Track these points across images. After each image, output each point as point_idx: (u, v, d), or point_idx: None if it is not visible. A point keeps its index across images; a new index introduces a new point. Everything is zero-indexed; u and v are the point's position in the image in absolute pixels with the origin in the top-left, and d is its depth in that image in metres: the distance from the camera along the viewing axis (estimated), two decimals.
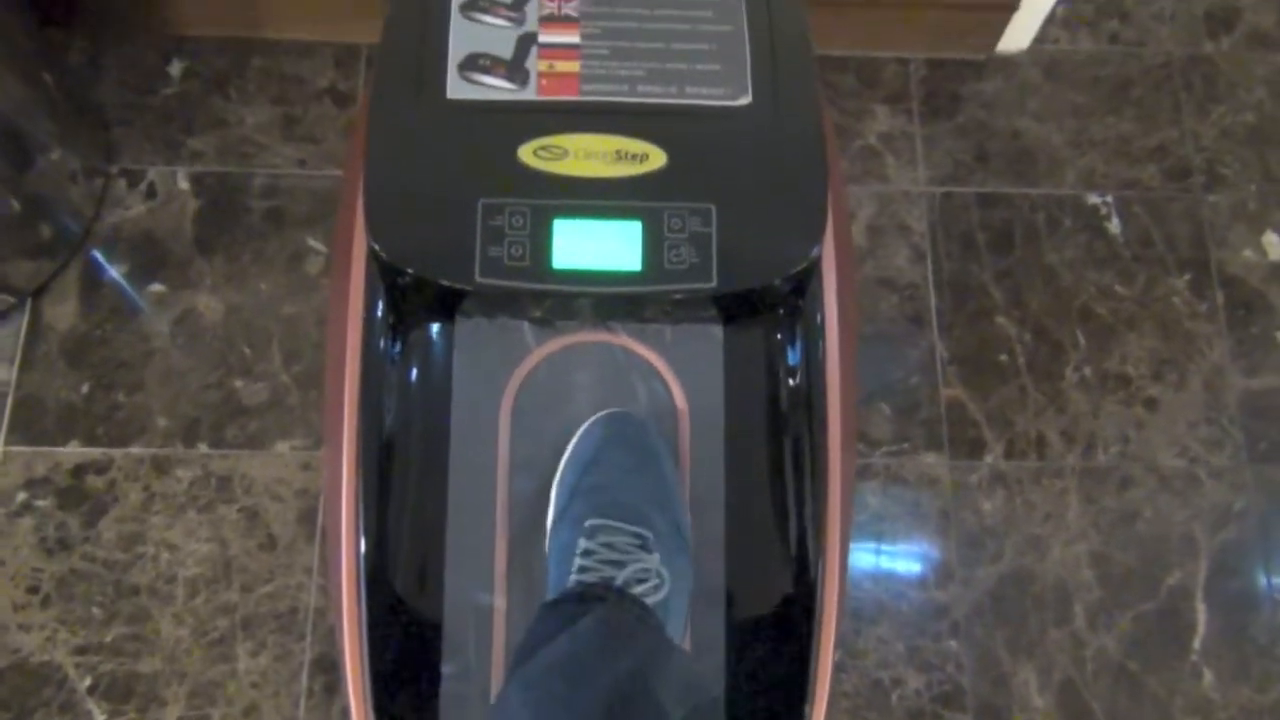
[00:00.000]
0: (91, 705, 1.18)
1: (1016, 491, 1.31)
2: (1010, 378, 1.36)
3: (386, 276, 0.87)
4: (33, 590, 1.21)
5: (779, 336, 0.93)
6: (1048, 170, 1.46)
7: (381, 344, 0.90)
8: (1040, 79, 1.50)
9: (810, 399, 0.89)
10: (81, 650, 1.20)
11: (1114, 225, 1.43)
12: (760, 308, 0.92)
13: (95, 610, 1.21)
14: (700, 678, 0.77)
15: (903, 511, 1.30)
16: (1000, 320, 1.38)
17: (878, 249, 1.40)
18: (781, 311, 0.92)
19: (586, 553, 0.80)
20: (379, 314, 0.89)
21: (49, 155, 1.26)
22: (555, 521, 0.86)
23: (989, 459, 1.32)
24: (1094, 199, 1.44)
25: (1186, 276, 1.41)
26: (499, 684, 0.86)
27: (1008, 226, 1.42)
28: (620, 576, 0.77)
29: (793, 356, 0.92)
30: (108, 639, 1.20)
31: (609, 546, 0.80)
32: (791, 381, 0.92)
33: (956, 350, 1.36)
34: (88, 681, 1.19)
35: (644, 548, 0.80)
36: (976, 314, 1.38)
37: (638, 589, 0.77)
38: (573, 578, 0.79)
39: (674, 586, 0.80)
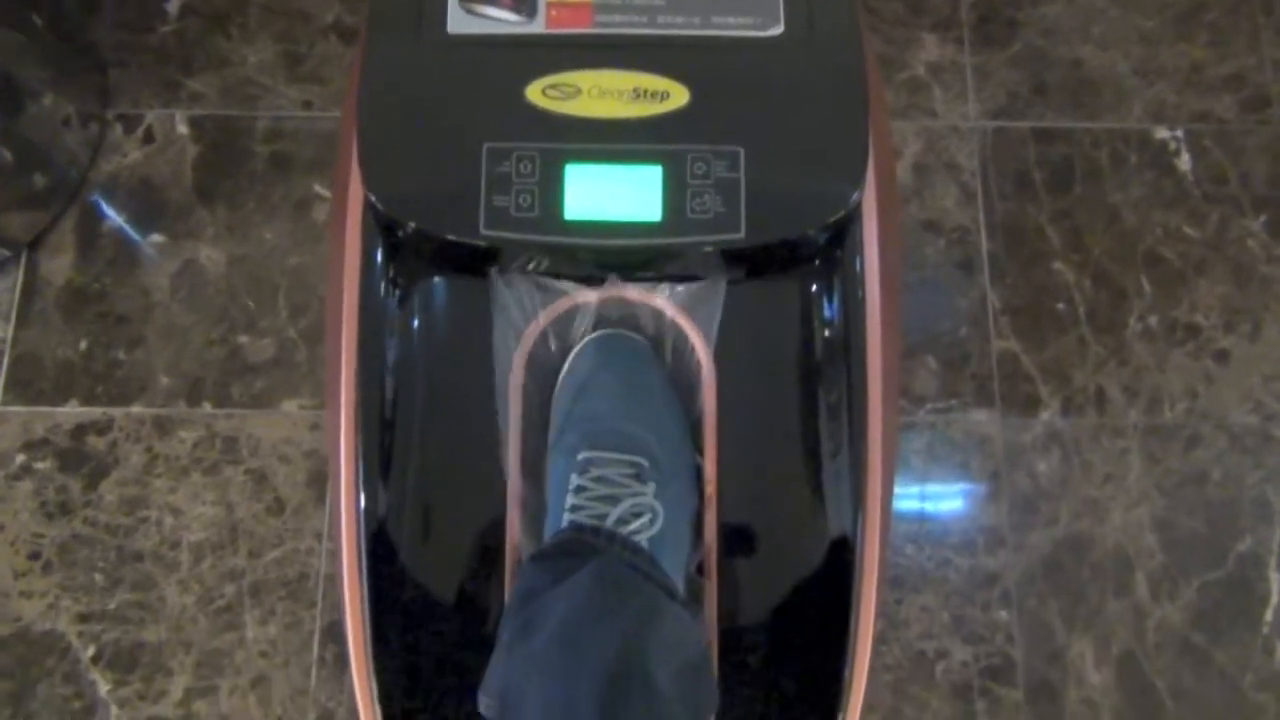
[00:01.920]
0: (95, 675, 1.14)
1: (1074, 451, 1.22)
2: (1068, 328, 1.26)
3: (384, 229, 0.81)
4: (34, 556, 1.16)
5: (814, 289, 0.86)
6: (1112, 102, 1.34)
7: (381, 300, 0.86)
8: (1104, 3, 1.38)
9: (849, 354, 0.82)
10: (84, 618, 1.15)
11: (1184, 161, 1.32)
12: (794, 259, 0.85)
13: (98, 577, 1.16)
14: (689, 631, 0.74)
15: (949, 473, 1.22)
16: (1058, 266, 1.28)
17: (924, 189, 1.30)
18: (817, 262, 0.85)
19: (579, 489, 0.77)
20: (377, 268, 0.84)
21: (41, 101, 1.20)
22: (552, 448, 0.83)
23: (1044, 416, 1.23)
24: (1162, 133, 1.33)
25: (1263, 217, 1.30)
26: None
27: (1067, 164, 1.32)
28: (613, 514, 0.75)
29: (829, 310, 0.85)
30: (111, 606, 1.15)
31: (601, 480, 0.77)
32: (828, 336, 0.85)
33: (1010, 299, 1.27)
34: (91, 651, 1.14)
35: (638, 477, 0.78)
36: (1032, 259, 1.28)
37: (633, 525, 0.75)
38: (565, 517, 0.77)
39: (669, 517, 0.78)
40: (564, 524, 0.77)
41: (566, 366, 0.86)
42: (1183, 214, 1.30)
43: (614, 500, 0.77)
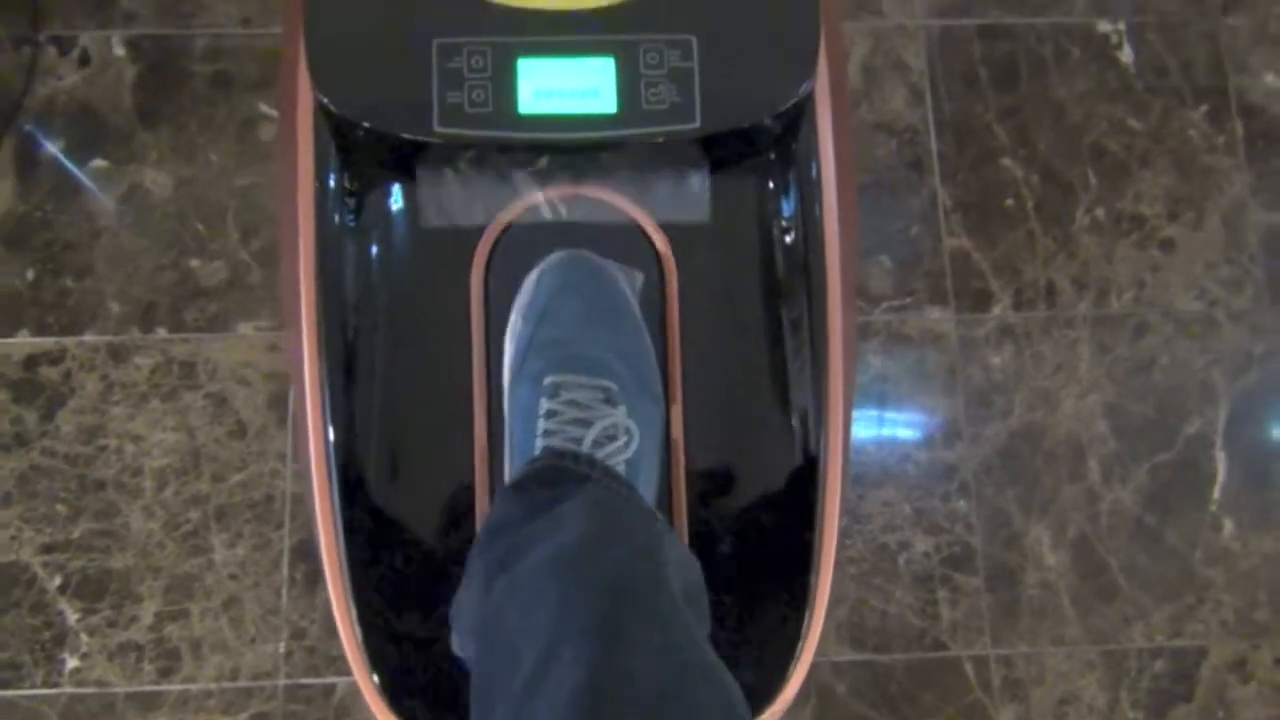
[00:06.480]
0: (64, 605, 1.13)
1: (1026, 344, 1.24)
2: (1018, 223, 1.27)
3: (336, 133, 0.79)
4: None
5: (771, 185, 0.86)
6: None
7: (336, 211, 0.83)
8: None
9: (807, 253, 0.82)
10: (49, 549, 1.14)
11: (1126, 54, 1.33)
12: (750, 151, 0.85)
13: (60, 507, 1.15)
14: (687, 555, 0.72)
15: (906, 370, 1.24)
16: (1006, 162, 1.29)
17: (873, 90, 1.30)
18: (773, 156, 0.85)
19: (550, 414, 0.75)
20: (331, 177, 0.82)
21: None
22: (512, 378, 0.81)
23: (996, 310, 1.25)
24: (1104, 26, 1.34)
25: (1203, 107, 1.32)
26: None
27: (1012, 60, 1.32)
28: (588, 437, 0.73)
29: (787, 207, 0.85)
30: (75, 535, 1.14)
31: (573, 404, 0.75)
32: (788, 238, 0.85)
33: (960, 196, 1.28)
34: (58, 580, 1.13)
35: (609, 401, 0.76)
36: (980, 157, 1.29)
37: (608, 447, 0.73)
38: (539, 442, 0.74)
39: (643, 439, 0.76)
40: (538, 450, 0.75)
41: (523, 292, 0.83)
42: (1126, 106, 1.31)
43: (587, 424, 0.74)
